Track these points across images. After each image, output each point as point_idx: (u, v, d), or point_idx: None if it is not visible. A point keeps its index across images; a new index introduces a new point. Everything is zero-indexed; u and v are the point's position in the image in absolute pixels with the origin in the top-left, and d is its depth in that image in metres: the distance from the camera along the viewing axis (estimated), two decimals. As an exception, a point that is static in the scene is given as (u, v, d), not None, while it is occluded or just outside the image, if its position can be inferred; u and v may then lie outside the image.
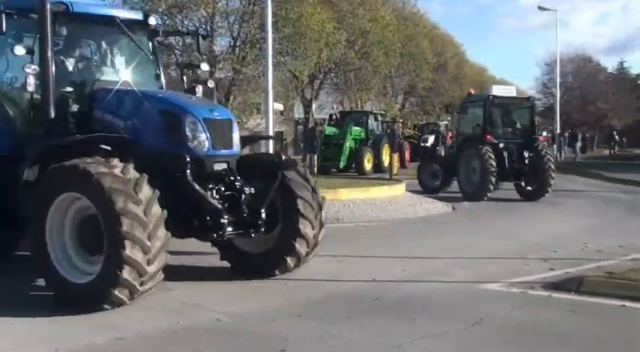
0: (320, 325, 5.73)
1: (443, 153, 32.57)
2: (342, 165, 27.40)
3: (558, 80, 44.41)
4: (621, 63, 75.00)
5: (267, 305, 6.40)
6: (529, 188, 17.96)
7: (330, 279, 7.52)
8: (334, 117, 33.24)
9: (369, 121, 31.12)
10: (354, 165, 28.67)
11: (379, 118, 32.92)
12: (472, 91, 21.44)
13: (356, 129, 30.00)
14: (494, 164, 16.96)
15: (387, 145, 29.47)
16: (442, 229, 12.27)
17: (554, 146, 41.48)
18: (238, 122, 33.24)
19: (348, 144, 28.40)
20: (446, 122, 44.20)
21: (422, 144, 37.50)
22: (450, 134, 40.39)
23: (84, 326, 5.69)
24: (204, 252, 9.20)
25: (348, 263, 8.62)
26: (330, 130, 29.15)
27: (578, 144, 42.78)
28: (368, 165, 28.21)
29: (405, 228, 12.27)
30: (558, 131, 42.15)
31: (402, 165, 36.62)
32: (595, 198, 18.68)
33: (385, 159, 28.75)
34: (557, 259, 8.78)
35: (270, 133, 17.97)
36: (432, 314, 6.10)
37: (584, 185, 23.60)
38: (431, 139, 38.41)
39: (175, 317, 5.92)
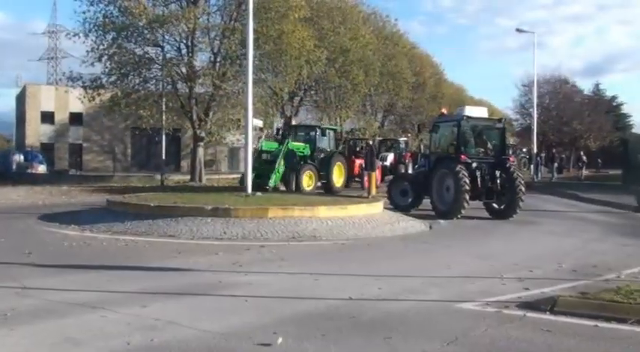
0: (295, 343, 5.71)
1: (403, 172, 32.81)
2: (271, 183, 23.90)
3: (535, 101, 44.97)
4: (597, 85, 76.48)
5: (243, 321, 6.36)
6: (499, 207, 18.17)
7: (306, 297, 7.51)
8: (279, 130, 30.42)
9: (317, 136, 27.79)
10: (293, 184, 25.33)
11: (330, 134, 29.12)
12: (445, 111, 21.69)
13: (297, 144, 26.89)
14: (468, 183, 17.18)
15: (339, 163, 27.55)
16: (419, 248, 12.30)
17: (532, 166, 41.92)
18: (216, 137, 33.04)
19: (283, 161, 25.01)
20: (405, 139, 43.78)
21: (381, 163, 37.44)
22: (408, 152, 40.52)
23: (50, 340, 5.63)
24: (180, 269, 9.19)
25: (324, 280, 8.61)
26: (268, 145, 26.00)
27: (555, 165, 43.21)
28: (308, 184, 25.49)
29: (382, 247, 12.28)
30: (535, 151, 42.60)
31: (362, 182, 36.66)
32: (571, 218, 18.86)
33: (337, 179, 27.22)
34: (533, 279, 8.84)
35: (249, 149, 17.98)
36: (408, 333, 6.10)
37: (560, 205, 23.84)
38: (390, 157, 38.24)
39: (149, 333, 5.86)
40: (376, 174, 28.61)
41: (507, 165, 18.02)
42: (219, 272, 9.08)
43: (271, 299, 7.42)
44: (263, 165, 24.46)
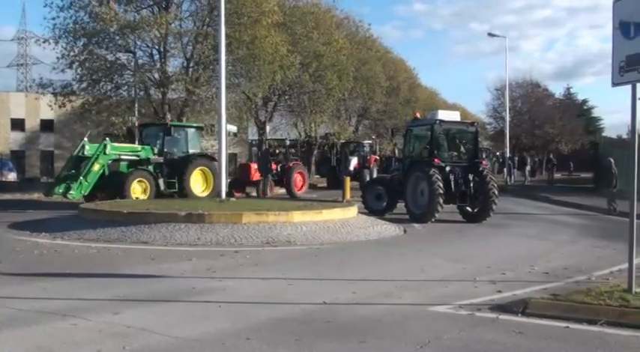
0: (269, 348, 5.69)
1: (367, 178, 32.28)
2: (73, 194, 20.01)
3: (508, 105, 45.46)
4: (568, 89, 77.43)
5: (216, 328, 6.32)
6: (473, 210, 18.31)
7: (280, 302, 7.49)
8: (129, 131, 26.42)
9: (166, 137, 23.04)
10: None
11: (189, 133, 24.32)
12: (418, 115, 21.81)
13: (124, 146, 23.08)
14: (442, 186, 17.30)
15: (203, 168, 23.15)
16: (393, 252, 12.33)
17: (504, 169, 42.31)
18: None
19: (98, 166, 20.72)
20: (370, 141, 43.11)
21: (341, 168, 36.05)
22: (373, 156, 40.08)
23: (20, 349, 5.55)
24: (153, 275, 9.11)
25: (298, 285, 8.59)
26: (93, 149, 21.11)
27: (527, 168, 43.67)
28: (139, 193, 21.24)
29: (356, 251, 12.29)
30: (508, 155, 43.00)
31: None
32: (543, 221, 19.06)
33: (198, 187, 23.03)
34: (505, 281, 8.92)
35: (223, 155, 17.91)
36: (382, 337, 6.11)
37: (532, 208, 24.08)
38: (353, 162, 37.38)
39: (121, 341, 5.80)
40: (297, 181, 28.82)
41: (480, 169, 18.16)
42: (193, 278, 9.01)
43: (245, 305, 7.39)
44: (74, 174, 20.72)
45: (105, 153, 21.21)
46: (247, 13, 29.17)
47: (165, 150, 23.11)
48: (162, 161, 22.78)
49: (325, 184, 38.38)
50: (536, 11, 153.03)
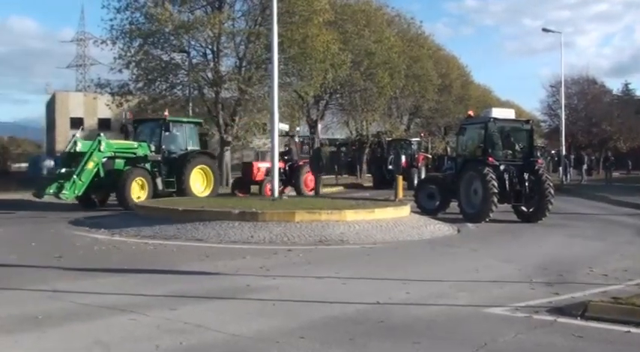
0: (323, 347, 5.70)
1: (416, 178, 31.44)
2: (66, 195, 18.90)
3: (563, 102, 44.48)
4: (626, 85, 75.33)
5: (271, 326, 6.37)
6: (528, 210, 17.98)
7: (333, 301, 7.49)
8: (124, 127, 24.24)
9: (161, 132, 21.89)
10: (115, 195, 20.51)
11: (186, 129, 23.32)
12: (471, 113, 21.46)
13: (120, 143, 21.46)
14: (496, 185, 17.03)
15: (203, 166, 22.30)
16: (447, 252, 12.22)
17: (560, 168, 41.45)
18: (243, 142, 32.55)
19: (92, 164, 19.56)
20: (418, 139, 41.72)
21: (389, 167, 34.61)
22: (422, 154, 38.61)
23: (80, 343, 5.68)
24: (208, 272, 9.24)
25: (352, 284, 8.58)
26: (86, 146, 20.03)
27: (584, 167, 42.65)
28: (139, 193, 20.23)
29: (409, 251, 12.22)
30: (564, 153, 42.10)
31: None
32: (600, 221, 18.60)
33: (198, 187, 22.02)
34: (563, 283, 8.73)
35: (276, 153, 18.00)
36: (437, 338, 6.06)
37: (589, 208, 23.52)
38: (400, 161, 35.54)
39: (178, 337, 5.89)
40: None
41: (536, 168, 17.82)
42: (247, 275, 9.09)
43: (299, 303, 7.42)
44: (66, 172, 19.54)
45: (99, 151, 19.89)
46: (299, 12, 29.32)
47: (163, 147, 21.85)
48: (160, 159, 21.57)
49: (371, 184, 37.32)
50: (591, 6, 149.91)
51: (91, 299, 7.42)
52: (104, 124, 55.81)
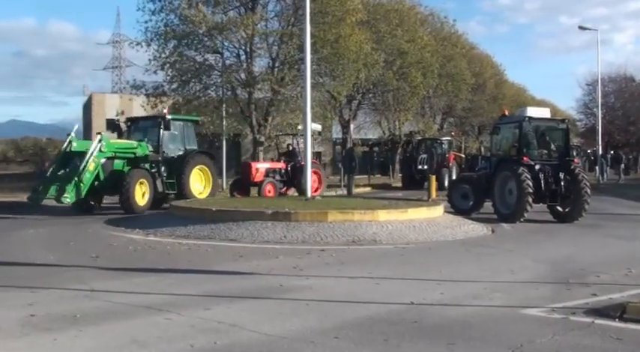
0: (357, 347, 5.69)
1: (446, 178, 30.99)
2: (67, 199, 17.67)
3: (600, 100, 43.75)
4: (665, 83, 73.63)
5: (304, 326, 6.37)
6: (564, 210, 17.73)
7: (367, 301, 7.47)
8: (119, 124, 22.63)
9: (160, 131, 20.82)
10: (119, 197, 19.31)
11: (183, 127, 22.20)
12: (506, 112, 21.21)
13: (119, 143, 20.46)
14: (531, 185, 16.85)
15: (202, 167, 21.52)
16: (481, 252, 12.11)
17: (596, 167, 40.79)
18: (275, 142, 32.32)
19: (93, 165, 18.55)
20: (449, 138, 40.67)
21: (419, 167, 34.56)
22: (453, 154, 37.66)
23: (117, 342, 5.75)
24: (242, 272, 9.29)
25: (385, 285, 8.56)
26: (80, 145, 19.20)
27: (621, 166, 41.86)
28: (141, 199, 19.25)
29: (443, 251, 12.14)
30: (600, 152, 41.42)
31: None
32: (638, 222, 18.26)
33: (199, 188, 21.34)
34: (600, 284, 8.59)
35: (309, 153, 18.02)
36: (472, 339, 6.00)
37: (627, 208, 23.09)
38: (432, 160, 34.95)
39: (212, 336, 5.94)
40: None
41: (572, 167, 17.57)
42: (280, 275, 9.13)
43: (332, 303, 7.41)
44: (65, 174, 18.55)
45: (100, 151, 18.91)
46: (332, 12, 29.29)
47: (162, 146, 20.88)
48: (160, 159, 20.62)
49: (400, 184, 36.51)
50: (628, 2, 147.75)
51: (127, 298, 7.51)
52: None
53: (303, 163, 24.09)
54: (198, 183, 21.43)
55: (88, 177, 18.29)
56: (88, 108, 61.47)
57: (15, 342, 5.72)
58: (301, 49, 23.50)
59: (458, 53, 47.64)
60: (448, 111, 53.65)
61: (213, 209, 14.92)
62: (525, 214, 17.02)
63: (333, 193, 28.05)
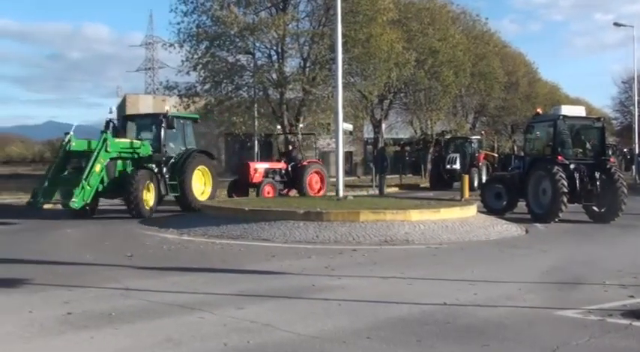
0: (389, 348, 5.67)
1: (476, 182, 30.26)
2: (76, 204, 16.37)
3: (636, 98, 42.97)
4: None
5: (337, 326, 6.36)
6: (600, 210, 17.46)
7: (399, 302, 7.44)
8: (110, 123, 19.62)
9: (164, 129, 19.41)
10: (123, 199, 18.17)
11: (182, 125, 20.82)
12: (540, 111, 20.93)
13: (123, 142, 18.82)
14: (566, 185, 16.63)
15: (203, 167, 20.30)
16: (515, 252, 11.99)
17: (633, 167, 40.10)
18: (307, 142, 32.13)
19: (99, 166, 17.28)
20: (478, 137, 39.26)
21: (447, 166, 33.71)
22: (482, 153, 36.50)
23: (152, 340, 5.81)
24: (274, 272, 9.33)
25: (418, 285, 8.52)
26: (79, 145, 17.70)
27: (660, 165, 41.06)
28: (147, 198, 17.91)
29: (476, 251, 12.04)
30: (637, 151, 40.69)
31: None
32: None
33: (199, 190, 19.99)
34: (638, 286, 8.43)
35: (340, 153, 18.00)
36: (506, 340, 5.94)
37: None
38: (458, 160, 34.03)
39: (245, 336, 5.97)
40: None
41: (608, 166, 17.30)
42: (313, 275, 9.13)
43: (364, 303, 7.40)
44: (68, 175, 17.53)
45: (106, 151, 17.58)
46: (363, 11, 29.27)
47: (164, 146, 19.43)
48: (164, 159, 19.27)
49: (428, 184, 35.72)
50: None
51: (161, 297, 7.59)
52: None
53: (304, 163, 24.08)
54: (199, 183, 20.23)
55: (94, 180, 17.16)
56: (121, 109, 62.29)
57: (53, 340, 5.82)
58: (332, 48, 23.48)
59: (490, 51, 47.23)
60: (480, 110, 53.22)
61: (246, 209, 15.00)
62: (560, 214, 16.82)
63: (364, 193, 28.02)
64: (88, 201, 17.09)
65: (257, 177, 22.58)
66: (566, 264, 10.50)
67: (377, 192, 28.68)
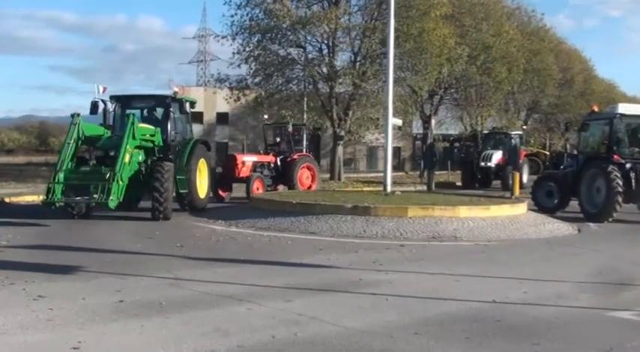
0: (438, 344, 5.62)
1: (520, 185, 28.48)
2: (112, 203, 13.88)
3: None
4: None
5: (384, 320, 6.35)
6: None
7: (447, 298, 7.38)
8: (96, 104, 16.69)
9: (171, 113, 17.18)
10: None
11: (180, 108, 17.54)
12: (596, 109, 20.38)
13: (145, 127, 16.09)
14: (621, 184, 16.22)
15: (204, 160, 17.74)
16: (567, 252, 11.75)
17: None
18: (355, 136, 31.94)
19: (128, 157, 14.95)
20: (520, 132, 36.26)
21: (482, 164, 30.92)
22: (524, 151, 34.13)
23: (201, 330, 5.88)
24: (321, 265, 9.35)
25: (466, 282, 8.43)
26: (93, 130, 15.61)
27: None
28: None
29: (526, 249, 11.84)
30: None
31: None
32: None
33: (201, 186, 17.39)
34: (695, 289, 8.19)
35: (389, 148, 17.89)
36: (557, 340, 5.83)
37: None
38: (496, 156, 31.12)
39: (293, 328, 6.00)
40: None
41: (666, 166, 16.80)
42: (360, 270, 9.12)
43: (412, 299, 7.35)
44: (90, 169, 15.22)
45: (134, 138, 15.22)
46: (416, 6, 29.10)
47: (173, 133, 17.16)
48: (177, 148, 17.06)
49: (460, 183, 32.72)
50: None
51: (210, 287, 7.69)
52: (222, 118, 57.65)
53: (294, 157, 22.41)
54: (199, 178, 17.47)
55: (127, 173, 14.75)
56: (173, 101, 63.23)
57: (106, 327, 5.95)
58: (384, 43, 23.41)
59: (545, 48, 46.39)
60: (533, 107, 52.35)
61: (294, 202, 15.06)
62: (614, 214, 16.41)
63: (412, 189, 27.80)
64: (121, 199, 14.42)
65: (244, 171, 20.90)
66: (619, 265, 10.26)
67: (424, 188, 28.21)
